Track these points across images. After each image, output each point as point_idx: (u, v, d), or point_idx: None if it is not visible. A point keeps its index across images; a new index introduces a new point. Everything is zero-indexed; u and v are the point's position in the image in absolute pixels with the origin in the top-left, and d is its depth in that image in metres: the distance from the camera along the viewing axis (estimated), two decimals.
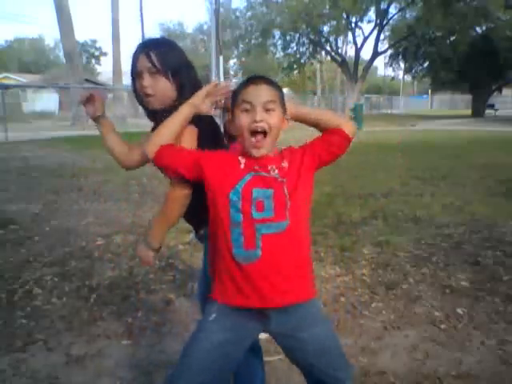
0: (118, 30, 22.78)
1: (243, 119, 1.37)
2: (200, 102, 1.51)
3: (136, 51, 1.61)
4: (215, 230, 1.41)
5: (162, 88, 1.60)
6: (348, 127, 1.46)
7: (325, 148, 1.45)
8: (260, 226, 1.34)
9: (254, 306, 1.36)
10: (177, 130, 1.48)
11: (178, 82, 1.61)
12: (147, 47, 1.60)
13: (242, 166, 1.40)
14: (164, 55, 1.60)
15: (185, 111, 1.49)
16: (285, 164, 1.41)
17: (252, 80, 1.40)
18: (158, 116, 1.60)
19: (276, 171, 1.39)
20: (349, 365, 1.55)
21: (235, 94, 1.42)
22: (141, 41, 1.76)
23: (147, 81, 1.58)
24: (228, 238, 1.36)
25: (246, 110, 1.37)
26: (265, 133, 1.36)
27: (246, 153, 1.40)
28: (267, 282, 1.34)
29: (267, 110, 1.36)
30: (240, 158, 1.41)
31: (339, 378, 1.46)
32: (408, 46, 30.42)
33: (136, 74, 1.61)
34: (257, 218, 1.34)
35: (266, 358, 1.92)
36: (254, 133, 1.36)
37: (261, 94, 1.37)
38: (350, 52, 39.51)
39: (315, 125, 1.50)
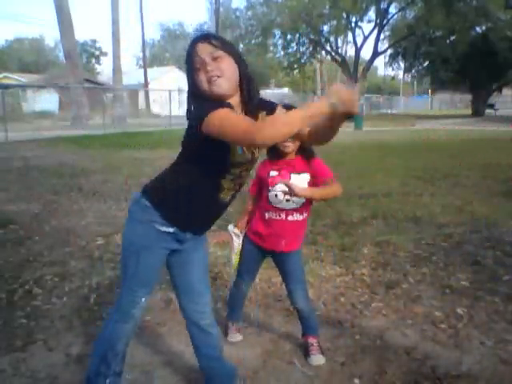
0: (118, 29, 22.72)
1: None
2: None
3: (192, 43, 1.52)
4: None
5: (227, 67, 1.50)
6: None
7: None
8: None
9: None
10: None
11: (239, 69, 1.53)
12: (204, 37, 1.52)
13: None
14: (223, 40, 1.55)
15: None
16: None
17: None
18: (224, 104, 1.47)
19: None
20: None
21: None
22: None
23: (211, 65, 1.49)
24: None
25: None
26: None
27: None
28: None
29: None
30: None
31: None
32: (408, 45, 30.42)
33: (198, 65, 1.50)
34: None
35: None
36: None
37: None
38: (350, 52, 39.56)
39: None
